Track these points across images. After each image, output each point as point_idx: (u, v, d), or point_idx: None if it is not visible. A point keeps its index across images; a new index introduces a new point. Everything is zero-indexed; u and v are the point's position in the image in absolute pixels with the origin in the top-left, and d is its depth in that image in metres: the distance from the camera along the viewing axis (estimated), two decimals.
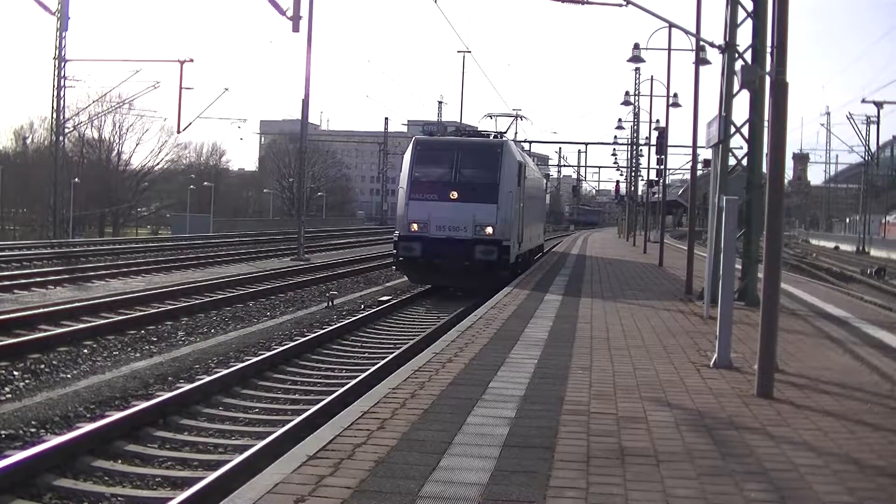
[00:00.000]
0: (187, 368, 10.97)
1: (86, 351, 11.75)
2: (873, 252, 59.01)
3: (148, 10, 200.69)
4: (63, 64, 39.67)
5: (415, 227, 19.99)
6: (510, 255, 20.17)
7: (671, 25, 18.74)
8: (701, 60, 19.21)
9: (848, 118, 66.94)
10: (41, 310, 14.49)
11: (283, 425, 8.12)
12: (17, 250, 30.22)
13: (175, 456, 7.51)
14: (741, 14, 13.97)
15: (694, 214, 21.45)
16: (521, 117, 32.71)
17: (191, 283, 20.32)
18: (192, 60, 42.87)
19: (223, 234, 50.71)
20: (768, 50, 10.13)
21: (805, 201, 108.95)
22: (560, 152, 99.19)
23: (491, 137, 22.54)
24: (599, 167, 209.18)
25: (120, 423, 7.86)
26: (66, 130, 43.90)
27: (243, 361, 11.29)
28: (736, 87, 13.71)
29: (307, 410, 8.74)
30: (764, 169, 11.45)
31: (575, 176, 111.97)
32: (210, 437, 8.20)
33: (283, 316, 16.18)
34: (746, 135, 14.20)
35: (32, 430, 7.88)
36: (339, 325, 14.75)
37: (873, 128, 66.84)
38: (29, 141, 71.67)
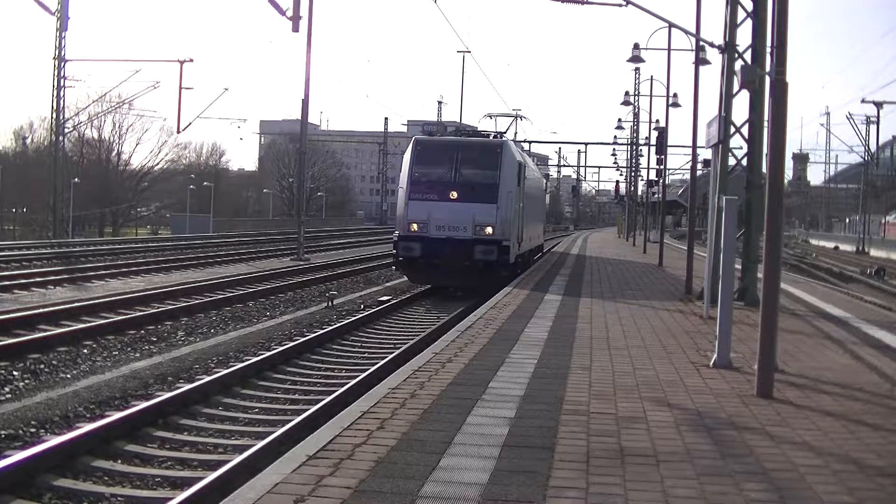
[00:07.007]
0: (187, 368, 10.97)
1: (85, 351, 11.75)
2: (873, 252, 59.04)
3: (148, 10, 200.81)
4: (63, 64, 39.66)
5: (415, 227, 20.00)
6: (510, 255, 20.18)
7: (671, 25, 18.76)
8: (701, 60, 19.22)
9: (848, 118, 67.15)
10: (41, 310, 14.49)
11: (283, 425, 8.12)
12: (16, 250, 30.23)
13: (175, 456, 7.51)
14: (741, 14, 13.98)
15: (694, 214, 21.44)
16: (520, 117, 32.70)
17: (190, 283, 20.32)
18: (191, 60, 43.06)
19: (223, 235, 50.72)
20: (768, 50, 10.13)
21: (805, 201, 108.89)
22: (560, 152, 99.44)
23: (491, 137, 22.55)
24: (599, 167, 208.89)
25: (120, 423, 7.86)
26: (66, 130, 43.89)
27: (243, 361, 11.29)
28: (736, 87, 13.70)
29: (307, 410, 8.75)
30: (764, 169, 11.45)
31: (575, 176, 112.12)
32: (210, 437, 8.20)
33: (283, 316, 16.18)
34: (746, 135, 14.20)
35: (32, 430, 7.88)
36: (339, 325, 14.75)
37: (873, 128, 67.15)
38: (29, 141, 71.83)
